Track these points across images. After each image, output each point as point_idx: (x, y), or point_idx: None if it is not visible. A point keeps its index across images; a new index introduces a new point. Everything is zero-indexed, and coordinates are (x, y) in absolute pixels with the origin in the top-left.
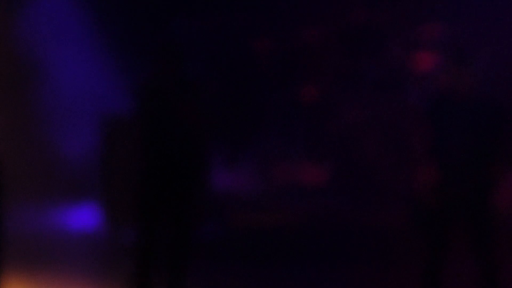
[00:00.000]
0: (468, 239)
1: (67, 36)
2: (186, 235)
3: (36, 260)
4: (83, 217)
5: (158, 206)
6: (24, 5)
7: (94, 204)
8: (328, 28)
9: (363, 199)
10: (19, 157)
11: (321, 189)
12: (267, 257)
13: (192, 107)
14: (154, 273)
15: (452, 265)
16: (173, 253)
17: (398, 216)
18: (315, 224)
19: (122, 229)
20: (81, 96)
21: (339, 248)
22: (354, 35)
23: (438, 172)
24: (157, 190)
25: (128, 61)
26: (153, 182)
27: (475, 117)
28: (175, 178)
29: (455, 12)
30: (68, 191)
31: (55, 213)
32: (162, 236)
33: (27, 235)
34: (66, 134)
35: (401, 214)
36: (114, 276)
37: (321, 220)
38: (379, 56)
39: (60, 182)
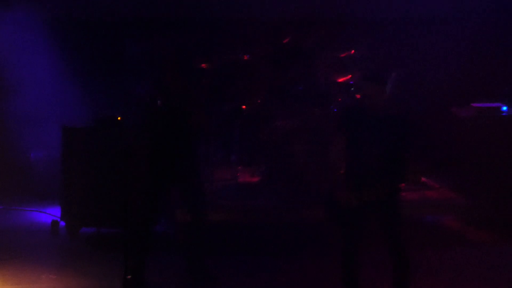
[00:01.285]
0: (378, 233)
1: (34, 57)
2: (146, 229)
3: (5, 251)
4: (47, 216)
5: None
6: None
7: (56, 205)
8: (265, 50)
9: (290, 197)
10: None
11: (254, 188)
12: (210, 245)
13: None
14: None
15: (365, 254)
16: (136, 243)
17: (319, 211)
18: (250, 218)
19: (79, 225)
20: (45, 109)
21: (269, 238)
22: (287, 57)
23: (351, 174)
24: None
25: (85, 81)
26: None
27: (382, 125)
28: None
29: (367, 41)
30: (31, 190)
31: (21, 211)
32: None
33: None
34: (32, 144)
35: (321, 210)
36: (70, 263)
37: (254, 214)
38: (306, 74)
39: (27, 185)
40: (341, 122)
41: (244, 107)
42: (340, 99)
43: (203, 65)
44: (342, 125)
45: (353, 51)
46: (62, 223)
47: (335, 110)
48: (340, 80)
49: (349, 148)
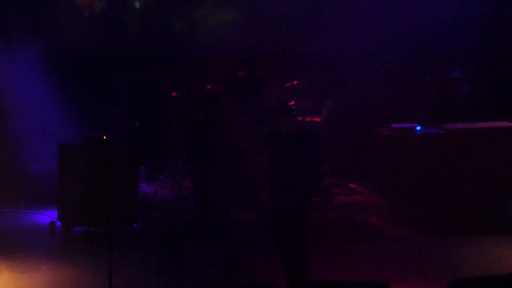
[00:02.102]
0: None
1: (35, 86)
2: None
3: (10, 247)
4: (45, 217)
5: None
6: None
7: (53, 208)
8: (225, 81)
9: (242, 201)
10: None
11: None
12: (179, 244)
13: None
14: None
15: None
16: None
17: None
18: (209, 219)
19: (72, 225)
20: (43, 130)
21: (222, 234)
22: (242, 86)
23: (271, 182)
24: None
25: (78, 105)
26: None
27: (295, 143)
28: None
29: (307, 74)
30: (32, 196)
31: (23, 213)
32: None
33: (3, 231)
34: (33, 158)
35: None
36: (64, 256)
37: (213, 216)
38: (258, 100)
39: (28, 192)
40: (265, 142)
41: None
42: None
43: (174, 93)
44: (265, 144)
45: (295, 81)
46: (58, 223)
47: None
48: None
49: (269, 162)
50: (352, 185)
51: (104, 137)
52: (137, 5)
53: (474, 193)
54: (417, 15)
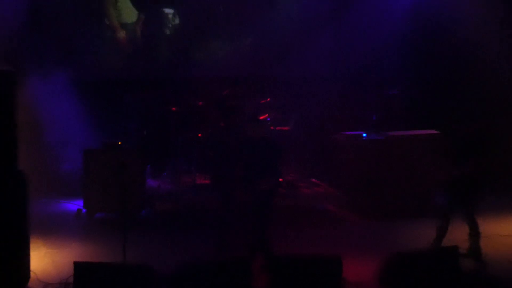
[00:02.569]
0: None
1: (64, 103)
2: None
3: (47, 229)
4: (73, 206)
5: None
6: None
7: (80, 198)
8: (211, 98)
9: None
10: (36, 170)
11: (205, 187)
12: (178, 226)
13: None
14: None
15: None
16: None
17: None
18: (202, 207)
19: (94, 211)
20: (71, 138)
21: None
22: (225, 102)
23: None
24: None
25: (98, 118)
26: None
27: (258, 147)
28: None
29: (277, 93)
30: (64, 189)
31: (57, 203)
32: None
33: (41, 216)
34: (63, 159)
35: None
36: (88, 236)
37: (205, 205)
38: (238, 114)
39: (61, 185)
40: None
41: (200, 135)
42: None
43: (173, 108)
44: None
45: (269, 99)
46: (84, 210)
47: None
48: (261, 117)
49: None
50: (313, 180)
51: (119, 143)
52: (143, 41)
53: (407, 185)
54: (363, 45)
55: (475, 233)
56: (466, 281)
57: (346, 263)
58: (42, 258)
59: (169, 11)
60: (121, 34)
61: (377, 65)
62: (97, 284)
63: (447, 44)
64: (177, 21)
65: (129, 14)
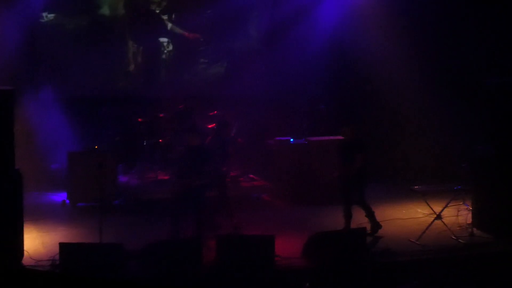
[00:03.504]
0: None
1: (52, 115)
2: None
3: (37, 216)
4: (59, 197)
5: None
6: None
7: (64, 191)
8: (172, 111)
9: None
10: (29, 168)
11: (166, 182)
12: (144, 212)
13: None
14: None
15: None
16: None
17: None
18: (163, 197)
19: (76, 202)
20: (58, 143)
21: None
22: (182, 114)
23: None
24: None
25: (80, 127)
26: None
27: (201, 149)
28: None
29: (224, 107)
30: (51, 184)
31: (46, 195)
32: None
33: (33, 205)
34: (52, 160)
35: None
36: (72, 221)
37: (164, 196)
38: (191, 123)
39: (49, 181)
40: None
41: (160, 140)
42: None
43: (140, 119)
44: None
45: (216, 111)
46: (67, 201)
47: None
48: (209, 126)
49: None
50: (251, 175)
51: (96, 147)
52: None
53: (323, 178)
54: (292, 69)
55: (370, 214)
56: (371, 256)
57: (277, 241)
58: (33, 240)
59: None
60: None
61: (307, 83)
62: (79, 261)
63: (356, 68)
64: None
65: None
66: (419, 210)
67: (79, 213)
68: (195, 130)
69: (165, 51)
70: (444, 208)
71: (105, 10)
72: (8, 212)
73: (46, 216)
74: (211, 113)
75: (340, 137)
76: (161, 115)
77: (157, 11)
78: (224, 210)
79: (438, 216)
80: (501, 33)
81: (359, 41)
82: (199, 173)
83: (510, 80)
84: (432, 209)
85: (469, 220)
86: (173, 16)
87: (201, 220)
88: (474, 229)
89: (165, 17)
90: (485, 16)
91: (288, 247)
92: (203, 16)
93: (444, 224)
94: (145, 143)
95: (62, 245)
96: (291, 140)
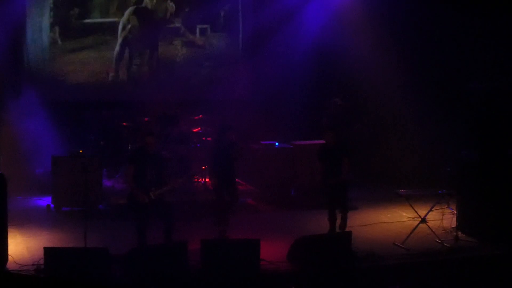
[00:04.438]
0: None
1: (37, 119)
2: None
3: (22, 220)
4: (44, 202)
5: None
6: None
7: (49, 195)
8: (155, 114)
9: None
10: (13, 173)
11: None
12: (128, 217)
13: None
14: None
15: None
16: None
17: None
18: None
19: (61, 206)
20: (43, 148)
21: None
22: (166, 117)
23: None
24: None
25: (64, 131)
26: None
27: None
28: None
29: (209, 111)
30: (36, 188)
31: (30, 199)
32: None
33: (17, 210)
34: (37, 165)
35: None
36: (56, 226)
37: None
38: (176, 126)
39: (33, 185)
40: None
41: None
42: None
43: (124, 123)
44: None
45: (201, 115)
46: (52, 205)
47: (192, 146)
48: (194, 130)
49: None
50: (236, 180)
51: (81, 151)
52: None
53: (309, 183)
54: (276, 75)
55: (335, 220)
56: (356, 260)
57: (262, 244)
58: (18, 245)
59: None
60: None
61: (291, 88)
62: (64, 265)
63: (338, 73)
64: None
65: None
66: (404, 214)
67: (63, 218)
68: (231, 127)
69: (154, 55)
70: (429, 211)
71: (96, 14)
72: None
73: (30, 220)
74: (196, 117)
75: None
76: (146, 119)
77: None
78: (214, 215)
79: (423, 220)
80: (485, 38)
81: (343, 44)
82: (161, 182)
83: (492, 85)
84: (417, 212)
85: (454, 224)
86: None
87: (171, 227)
88: (459, 232)
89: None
90: (469, 20)
91: (273, 251)
92: (189, 17)
93: (429, 227)
94: (130, 147)
95: (46, 250)
96: (276, 144)
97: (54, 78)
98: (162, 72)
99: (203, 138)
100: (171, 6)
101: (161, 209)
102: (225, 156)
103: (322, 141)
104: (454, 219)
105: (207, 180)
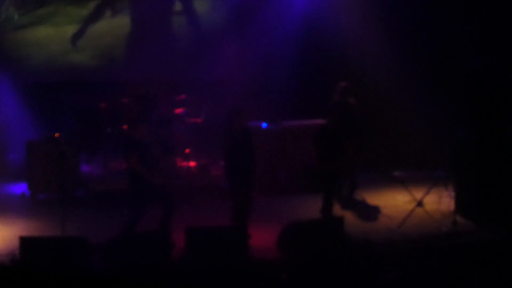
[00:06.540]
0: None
1: (8, 104)
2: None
3: None
4: (19, 189)
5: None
6: None
7: (24, 182)
8: (134, 95)
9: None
10: None
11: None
12: (107, 204)
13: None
14: None
15: None
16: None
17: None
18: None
19: (37, 193)
20: (17, 132)
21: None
22: (146, 99)
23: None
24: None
25: (40, 115)
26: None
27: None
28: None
29: (193, 91)
30: (11, 176)
31: (4, 186)
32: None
33: None
34: (10, 149)
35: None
36: (32, 213)
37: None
38: (157, 108)
39: (7, 171)
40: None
41: (124, 127)
42: (177, 122)
43: (103, 105)
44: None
45: (184, 95)
46: (28, 192)
47: (175, 128)
48: (176, 111)
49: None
50: (222, 163)
51: (57, 135)
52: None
53: (299, 165)
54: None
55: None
56: (349, 246)
57: (250, 232)
58: None
59: None
60: None
61: (276, 67)
62: (41, 255)
63: (329, 47)
64: None
65: None
66: (399, 198)
67: (39, 205)
68: (240, 111)
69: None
70: (426, 194)
71: None
72: None
73: (5, 208)
74: (178, 97)
75: (320, 121)
76: (125, 100)
77: None
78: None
79: (419, 203)
80: (480, 13)
81: (333, 23)
82: (157, 168)
83: (489, 60)
84: (413, 195)
85: (452, 207)
86: None
87: (171, 214)
88: (457, 216)
89: None
90: None
91: (262, 239)
92: None
93: (426, 211)
94: (109, 130)
95: (22, 239)
96: (264, 125)
97: (18, 58)
98: (140, 49)
99: (186, 120)
100: None
101: (164, 195)
102: (242, 147)
103: (312, 121)
104: (452, 202)
105: (190, 164)
